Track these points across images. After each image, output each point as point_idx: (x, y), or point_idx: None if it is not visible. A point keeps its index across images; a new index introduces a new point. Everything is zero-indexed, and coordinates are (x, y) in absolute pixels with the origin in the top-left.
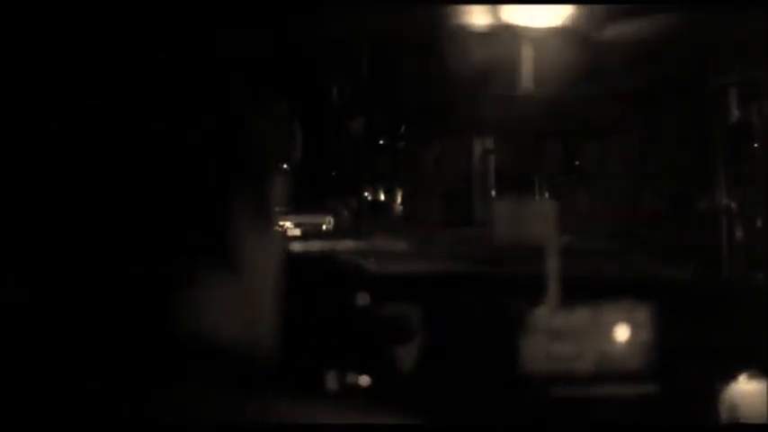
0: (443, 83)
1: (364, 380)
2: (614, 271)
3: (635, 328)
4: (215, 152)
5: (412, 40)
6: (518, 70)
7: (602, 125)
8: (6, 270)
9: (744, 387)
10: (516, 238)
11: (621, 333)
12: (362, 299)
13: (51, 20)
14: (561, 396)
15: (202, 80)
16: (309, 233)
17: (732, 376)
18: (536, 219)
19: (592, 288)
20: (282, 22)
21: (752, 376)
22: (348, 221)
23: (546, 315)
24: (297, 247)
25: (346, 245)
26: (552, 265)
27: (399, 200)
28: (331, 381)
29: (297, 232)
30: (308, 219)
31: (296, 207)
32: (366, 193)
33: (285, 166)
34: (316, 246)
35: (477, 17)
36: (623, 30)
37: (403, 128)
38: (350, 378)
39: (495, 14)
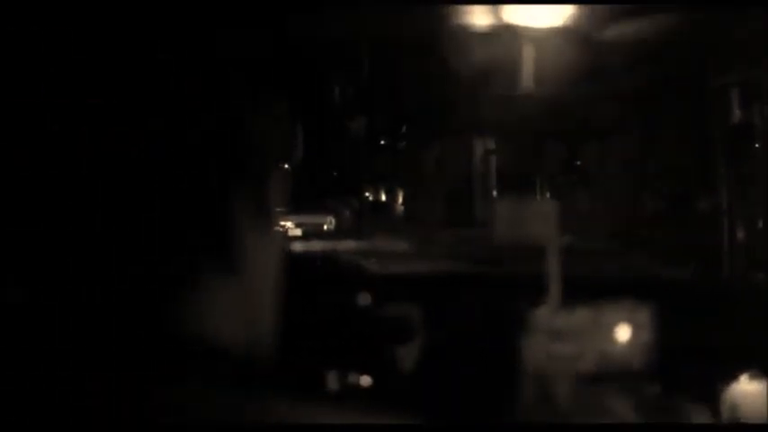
0: (444, 83)
1: (364, 380)
2: (615, 271)
3: (636, 329)
4: (215, 152)
5: (412, 40)
6: (518, 70)
7: (602, 125)
8: (7, 270)
9: (744, 387)
10: (517, 239)
11: (622, 333)
12: (363, 299)
13: (52, 20)
14: (561, 396)
15: (203, 80)
16: (310, 233)
17: (733, 376)
18: (537, 219)
19: (592, 288)
20: (282, 22)
21: (752, 376)
22: (349, 221)
23: (546, 315)
24: (298, 247)
25: (347, 245)
26: (553, 266)
27: (400, 200)
28: (331, 381)
29: (298, 232)
30: (309, 219)
31: (297, 207)
32: (367, 194)
33: (286, 165)
34: (316, 246)
35: (478, 17)
36: (623, 30)
37: (404, 128)
38: (350, 378)
39: (496, 14)
